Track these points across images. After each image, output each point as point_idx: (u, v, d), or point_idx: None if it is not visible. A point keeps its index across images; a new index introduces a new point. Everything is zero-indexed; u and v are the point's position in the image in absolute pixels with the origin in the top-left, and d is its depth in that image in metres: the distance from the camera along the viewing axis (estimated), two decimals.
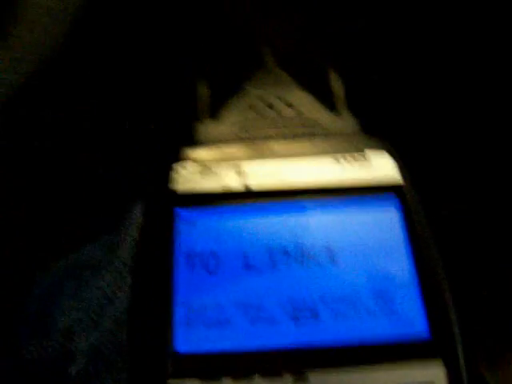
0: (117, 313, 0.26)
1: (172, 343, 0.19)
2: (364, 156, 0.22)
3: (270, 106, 0.25)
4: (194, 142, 0.24)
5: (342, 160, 0.22)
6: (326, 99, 0.26)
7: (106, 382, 0.25)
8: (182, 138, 0.24)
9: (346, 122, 0.25)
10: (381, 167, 0.22)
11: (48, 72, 0.31)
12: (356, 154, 0.23)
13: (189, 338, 0.20)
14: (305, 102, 0.25)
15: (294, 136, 0.24)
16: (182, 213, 0.22)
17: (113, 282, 0.27)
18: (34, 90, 0.32)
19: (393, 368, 0.19)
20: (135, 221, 0.28)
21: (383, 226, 0.21)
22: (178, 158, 0.23)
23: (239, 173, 0.22)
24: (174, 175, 0.22)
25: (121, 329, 0.25)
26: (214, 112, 0.25)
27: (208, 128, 0.25)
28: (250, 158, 0.23)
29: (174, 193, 0.22)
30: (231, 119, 0.25)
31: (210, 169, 0.22)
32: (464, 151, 0.27)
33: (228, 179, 0.22)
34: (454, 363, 0.19)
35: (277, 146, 0.23)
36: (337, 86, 0.26)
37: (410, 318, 0.20)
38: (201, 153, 0.23)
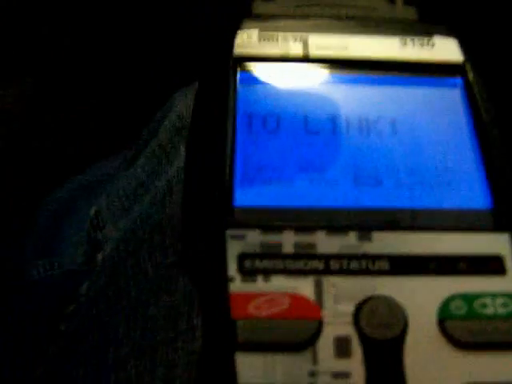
0: (153, 197, 0.25)
1: (232, 197, 0.19)
2: (432, 41, 0.22)
3: None
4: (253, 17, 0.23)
5: (409, 42, 0.22)
6: None
7: (140, 256, 0.24)
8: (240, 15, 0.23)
9: (401, 10, 0.24)
10: (448, 50, 0.22)
11: None
12: (425, 39, 0.22)
13: (249, 193, 0.19)
14: None
15: (352, 18, 0.23)
16: (243, 74, 0.21)
17: (150, 168, 0.27)
18: None
19: (457, 237, 0.18)
20: (176, 109, 0.27)
21: (446, 103, 0.21)
22: (238, 27, 0.22)
23: (302, 42, 0.21)
24: (235, 41, 0.21)
25: (158, 209, 0.25)
26: None
27: (265, 6, 0.24)
28: (314, 30, 0.22)
29: (234, 56, 0.21)
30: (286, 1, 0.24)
31: (272, 36, 0.21)
32: None
33: (290, 46, 0.21)
34: None
35: (342, 23, 0.22)
36: None
37: (474, 190, 0.19)
38: (262, 23, 0.22)
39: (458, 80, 0.21)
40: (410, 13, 0.24)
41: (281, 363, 0.16)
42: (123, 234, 0.25)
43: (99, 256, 0.26)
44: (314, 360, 0.16)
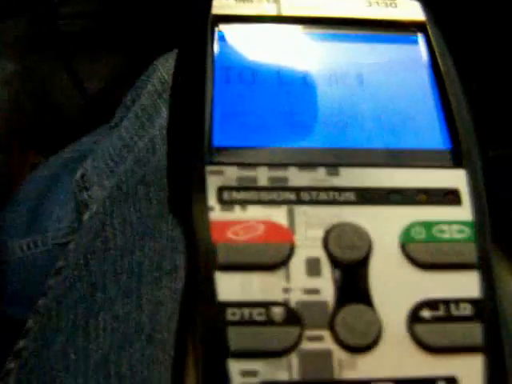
0: (137, 155, 0.27)
1: (211, 139, 0.20)
2: (396, 1, 0.24)
3: None
4: None
5: (374, 3, 0.24)
6: None
7: (125, 209, 0.25)
8: None
9: None
10: (411, 10, 0.24)
11: None
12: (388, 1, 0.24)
13: (227, 135, 0.20)
14: None
15: None
16: (220, 33, 0.22)
17: (133, 130, 0.28)
18: None
19: (418, 172, 0.20)
20: (158, 74, 0.29)
21: (409, 58, 0.23)
22: None
23: (275, 2, 0.23)
24: (212, 2, 0.23)
25: (141, 166, 0.26)
26: None
27: None
28: None
29: (212, 16, 0.23)
30: None
31: None
32: None
33: (264, 6, 0.23)
34: (475, 172, 0.20)
35: None
36: None
37: (434, 132, 0.21)
38: None
39: (420, 37, 0.23)
40: None
41: (257, 281, 0.18)
42: (109, 192, 0.27)
43: (85, 216, 0.28)
44: (288, 278, 0.18)
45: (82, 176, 0.29)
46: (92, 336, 0.22)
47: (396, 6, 0.24)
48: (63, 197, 0.37)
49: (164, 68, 0.28)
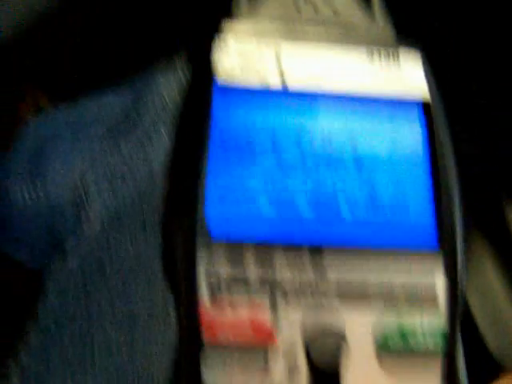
0: (138, 183, 0.27)
1: (204, 228, 0.21)
2: (397, 54, 0.23)
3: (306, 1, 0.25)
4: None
5: (375, 56, 0.23)
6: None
7: (123, 246, 0.26)
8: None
9: (381, 27, 0.25)
10: (411, 74, 0.23)
11: None
12: (390, 50, 0.23)
13: (220, 226, 0.21)
14: (342, 2, 0.25)
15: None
16: (223, 100, 0.22)
17: (134, 152, 0.28)
18: None
19: (400, 268, 0.21)
20: (159, 92, 0.28)
21: (407, 137, 0.23)
22: (218, 29, 0.23)
23: (279, 71, 0.23)
24: (215, 55, 0.22)
25: (140, 194, 0.27)
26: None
27: (246, 20, 0.24)
28: (287, 38, 0.23)
29: (216, 82, 0.22)
30: (269, 13, 0.25)
31: (251, 63, 0.23)
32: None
33: (268, 75, 0.23)
34: (454, 278, 0.21)
35: (312, 32, 0.24)
36: None
37: (421, 229, 0.22)
38: (240, 27, 0.23)
39: (419, 113, 0.23)
40: (389, 29, 0.25)
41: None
42: (108, 214, 0.28)
43: (85, 226, 0.29)
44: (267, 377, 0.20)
45: (82, 182, 0.29)
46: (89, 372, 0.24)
47: (399, 65, 0.23)
48: (62, 164, 0.37)
49: (166, 91, 0.27)
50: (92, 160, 0.31)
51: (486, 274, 0.35)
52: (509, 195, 0.33)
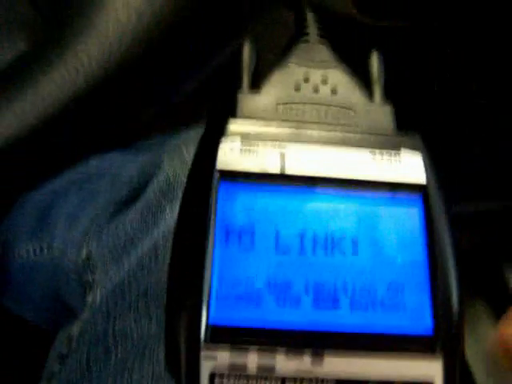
0: (141, 257, 0.28)
1: (207, 315, 0.21)
2: (399, 154, 0.24)
3: (306, 81, 0.26)
4: (236, 114, 0.25)
5: (377, 156, 0.24)
6: (365, 81, 0.27)
7: (127, 321, 0.27)
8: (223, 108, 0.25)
9: (379, 109, 0.26)
10: (411, 167, 0.24)
11: None
12: (392, 152, 0.24)
13: (221, 312, 0.22)
14: (342, 82, 0.26)
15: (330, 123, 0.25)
16: (224, 189, 0.23)
17: (138, 226, 0.29)
18: None
19: (395, 359, 0.21)
20: (164, 168, 0.29)
21: (406, 223, 0.23)
22: (222, 131, 0.24)
23: (280, 158, 0.23)
24: (218, 152, 0.23)
25: (144, 274, 0.27)
26: (255, 82, 0.26)
27: (249, 100, 0.25)
28: (290, 140, 0.24)
29: (216, 170, 0.23)
30: (271, 92, 0.26)
31: (252, 151, 0.23)
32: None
33: (268, 164, 0.23)
34: (452, 363, 0.21)
35: (317, 132, 0.24)
36: (378, 70, 0.27)
37: (416, 313, 0.22)
38: (243, 127, 0.24)
39: (418, 200, 0.24)
40: (387, 112, 0.26)
41: None
42: (112, 286, 0.28)
43: (90, 298, 0.30)
44: None
45: (88, 255, 0.30)
46: None
47: (400, 161, 0.24)
48: (68, 218, 0.38)
49: (170, 168, 0.28)
50: (97, 226, 0.32)
51: (485, 338, 0.35)
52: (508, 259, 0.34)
